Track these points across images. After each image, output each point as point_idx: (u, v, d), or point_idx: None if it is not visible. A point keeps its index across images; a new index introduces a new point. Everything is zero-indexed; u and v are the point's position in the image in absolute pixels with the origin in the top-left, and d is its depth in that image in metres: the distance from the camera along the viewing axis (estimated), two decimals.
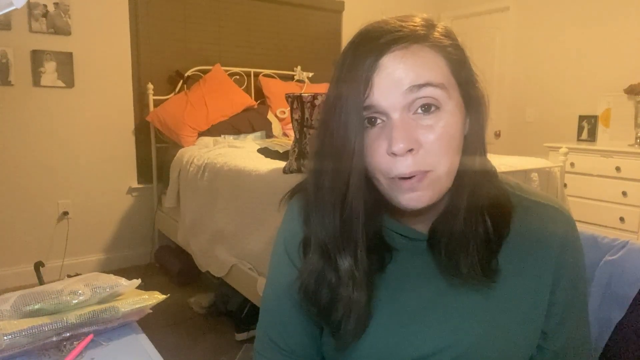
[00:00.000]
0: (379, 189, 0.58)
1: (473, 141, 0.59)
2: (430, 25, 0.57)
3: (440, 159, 0.54)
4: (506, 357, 0.61)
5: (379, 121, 0.55)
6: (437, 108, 0.54)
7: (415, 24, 0.56)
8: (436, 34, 0.56)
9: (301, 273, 0.63)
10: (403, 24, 0.55)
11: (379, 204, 0.61)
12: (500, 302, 0.61)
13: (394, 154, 0.53)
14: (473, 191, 0.58)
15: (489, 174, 0.62)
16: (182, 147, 2.97)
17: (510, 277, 0.61)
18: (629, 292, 0.76)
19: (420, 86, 0.53)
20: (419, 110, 0.54)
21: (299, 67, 3.73)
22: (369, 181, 0.58)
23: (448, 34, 0.57)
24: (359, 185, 0.56)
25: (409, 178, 0.54)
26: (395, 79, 0.53)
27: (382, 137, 0.54)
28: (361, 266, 0.59)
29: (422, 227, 0.63)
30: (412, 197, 0.55)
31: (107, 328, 0.76)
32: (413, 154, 0.53)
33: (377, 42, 0.54)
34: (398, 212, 0.62)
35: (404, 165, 0.53)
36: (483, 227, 0.59)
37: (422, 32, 0.55)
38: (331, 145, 0.56)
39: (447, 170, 0.55)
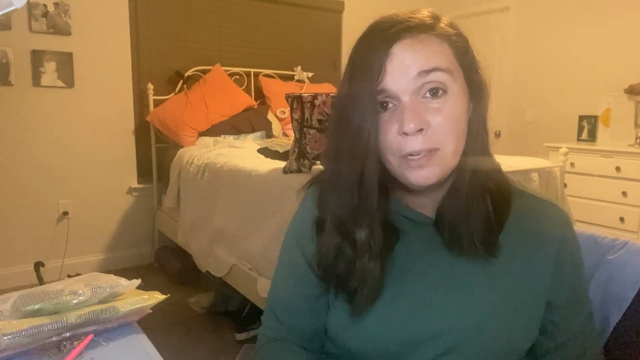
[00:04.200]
0: (389, 168, 0.62)
1: (476, 124, 0.63)
2: (436, 18, 0.61)
3: (447, 138, 0.59)
4: (508, 339, 0.64)
5: (390, 105, 0.59)
6: (444, 91, 0.58)
7: (423, 16, 0.60)
8: (442, 25, 0.61)
9: (319, 249, 0.67)
10: (412, 16, 0.60)
11: (387, 188, 0.66)
12: (503, 281, 0.64)
13: (405, 134, 0.57)
14: (475, 171, 0.62)
15: (491, 157, 0.66)
16: (182, 147, 2.97)
17: (512, 258, 0.65)
18: (629, 293, 0.76)
19: (429, 71, 0.57)
20: (428, 94, 0.58)
21: (299, 67, 3.73)
22: (380, 163, 0.62)
23: (452, 25, 0.62)
24: (375, 164, 0.61)
25: (418, 156, 0.58)
26: (405, 66, 0.57)
27: (393, 119, 0.59)
28: (376, 238, 0.63)
29: (428, 212, 0.68)
30: (421, 174, 0.59)
31: (107, 328, 0.76)
32: (422, 133, 0.58)
33: (388, 32, 0.58)
34: (406, 195, 0.67)
35: (414, 144, 0.58)
36: (484, 205, 0.63)
37: (429, 22, 0.60)
38: (348, 128, 0.61)
39: (453, 149, 0.60)
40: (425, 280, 0.65)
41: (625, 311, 0.76)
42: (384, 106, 0.59)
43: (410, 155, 0.58)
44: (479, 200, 0.63)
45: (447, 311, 0.64)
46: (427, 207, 0.67)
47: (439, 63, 0.57)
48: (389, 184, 0.66)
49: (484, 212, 0.63)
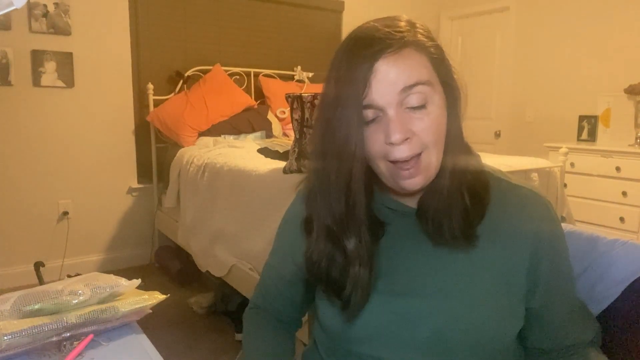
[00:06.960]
0: (378, 173, 0.66)
1: (453, 125, 0.66)
2: (413, 28, 0.64)
3: (430, 143, 0.63)
4: (489, 324, 0.65)
5: (376, 116, 0.62)
6: (426, 102, 0.62)
7: (402, 30, 0.62)
8: (419, 37, 0.63)
9: (309, 254, 0.71)
10: (391, 30, 0.62)
11: (371, 187, 0.70)
12: (481, 269, 0.67)
13: (392, 144, 0.61)
14: (454, 169, 0.66)
15: (468, 151, 0.70)
16: (182, 147, 2.97)
17: (490, 247, 0.67)
18: (618, 290, 0.77)
19: (412, 86, 0.61)
20: (411, 105, 0.62)
21: (299, 67, 3.73)
22: (366, 168, 0.65)
23: (429, 35, 0.65)
24: (361, 173, 0.64)
25: (407, 166, 0.63)
26: (390, 81, 0.60)
27: (379, 130, 0.62)
28: (364, 244, 0.67)
29: (410, 203, 0.71)
30: (412, 182, 0.64)
31: (107, 328, 0.76)
32: (408, 142, 0.61)
33: (371, 49, 0.61)
34: (388, 189, 0.70)
35: (401, 151, 0.61)
36: (463, 198, 0.67)
37: (408, 37, 0.62)
38: (333, 140, 0.63)
39: (436, 152, 0.64)
40: (410, 270, 0.69)
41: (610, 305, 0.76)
42: (370, 119, 0.62)
43: (398, 162, 0.62)
44: (458, 194, 0.66)
45: (432, 297, 0.66)
46: (408, 200, 0.71)
47: (420, 77, 0.61)
48: (374, 182, 0.69)
49: (462, 204, 0.66)
